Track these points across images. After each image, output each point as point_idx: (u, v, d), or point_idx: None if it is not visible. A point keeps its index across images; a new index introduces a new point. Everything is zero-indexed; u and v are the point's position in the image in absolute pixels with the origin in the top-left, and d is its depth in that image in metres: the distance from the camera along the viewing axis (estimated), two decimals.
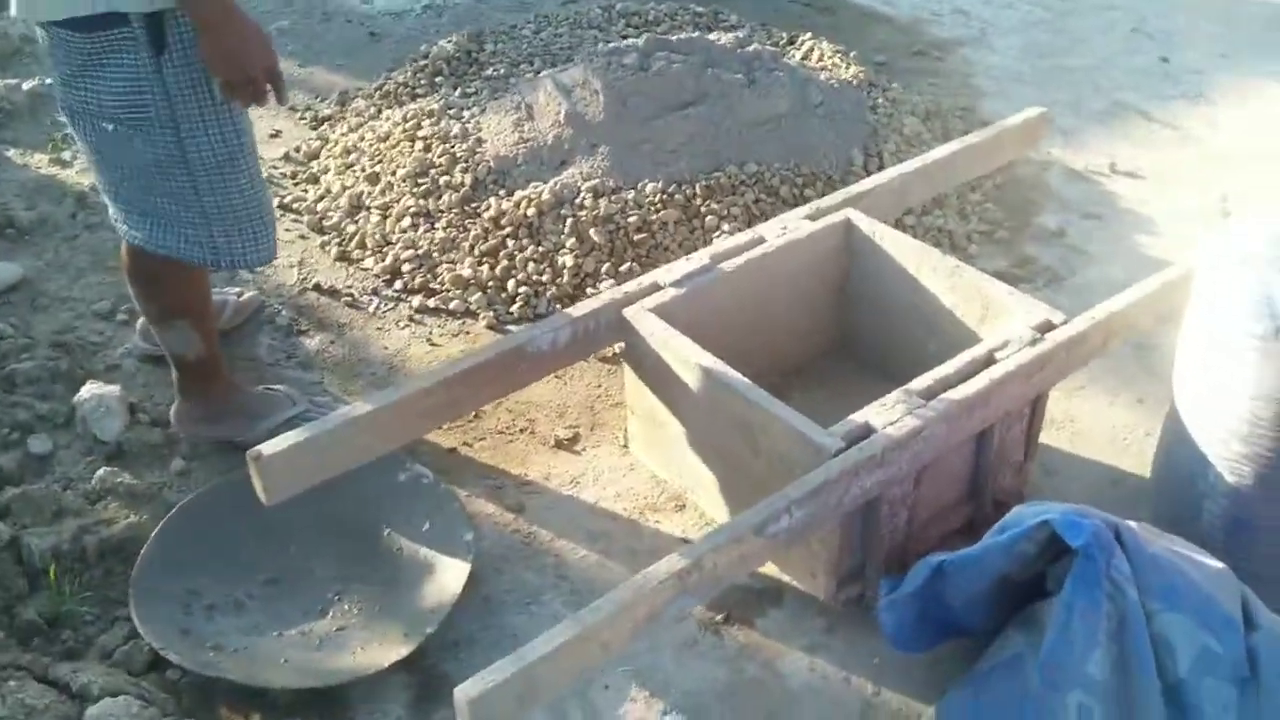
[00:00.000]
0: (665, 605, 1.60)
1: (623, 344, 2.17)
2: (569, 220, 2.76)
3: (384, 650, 1.89)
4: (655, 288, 2.14)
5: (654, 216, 2.76)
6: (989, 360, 1.93)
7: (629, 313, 2.08)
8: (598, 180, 2.82)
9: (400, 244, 2.86)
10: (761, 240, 2.25)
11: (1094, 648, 1.52)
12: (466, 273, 2.75)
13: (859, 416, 1.83)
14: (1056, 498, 2.19)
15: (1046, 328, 2.00)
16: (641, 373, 2.13)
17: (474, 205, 2.87)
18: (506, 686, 1.46)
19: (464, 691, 1.44)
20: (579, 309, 2.11)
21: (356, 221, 2.97)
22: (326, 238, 2.97)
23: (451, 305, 2.72)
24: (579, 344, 2.10)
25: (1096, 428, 2.40)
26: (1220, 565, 1.62)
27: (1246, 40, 4.12)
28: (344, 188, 3.07)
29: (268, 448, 1.79)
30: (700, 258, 2.20)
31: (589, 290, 2.69)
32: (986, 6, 4.46)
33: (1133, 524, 1.60)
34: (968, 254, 2.91)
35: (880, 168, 3.01)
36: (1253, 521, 1.79)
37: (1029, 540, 1.59)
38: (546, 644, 1.50)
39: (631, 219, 2.74)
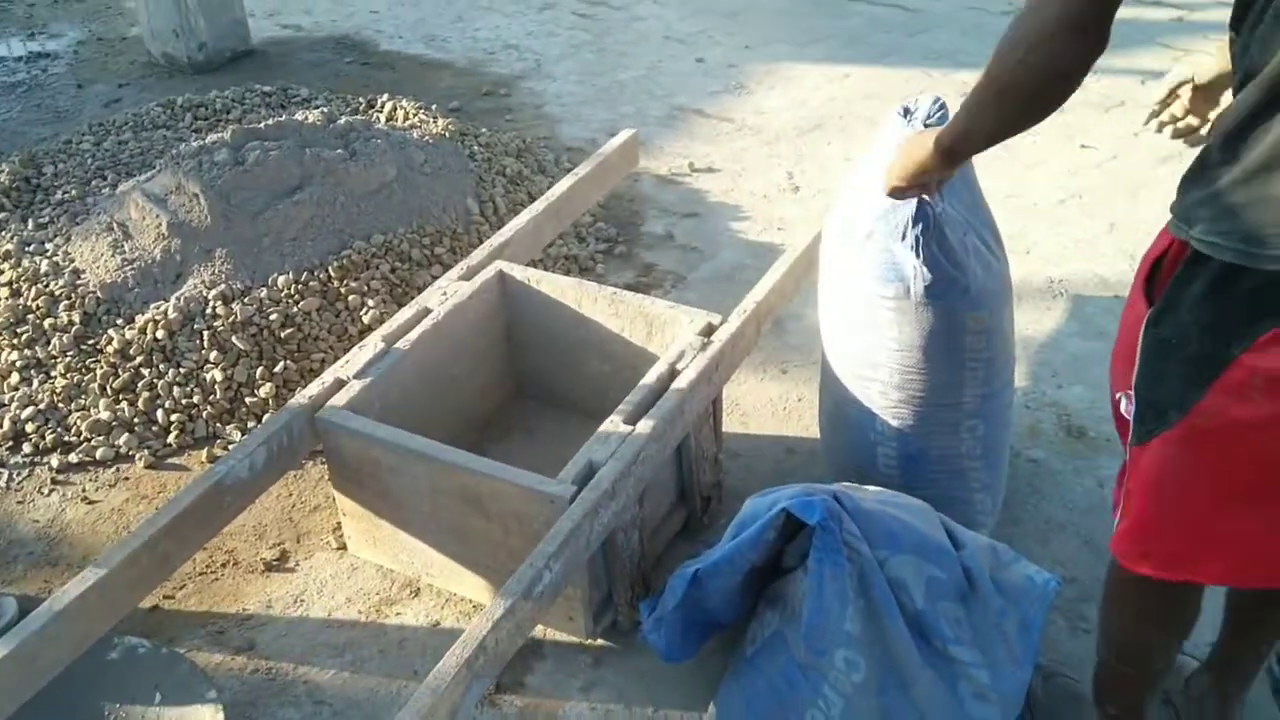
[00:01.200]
0: (464, 697, 1.60)
1: (320, 448, 2.11)
2: (204, 333, 2.61)
3: None
4: (339, 384, 2.10)
5: (295, 309, 2.68)
6: (673, 373, 2.08)
7: (323, 415, 2.02)
8: (224, 285, 2.69)
9: (15, 403, 2.57)
10: (427, 311, 2.26)
11: (845, 605, 1.70)
12: (105, 415, 2.53)
13: (580, 458, 1.90)
14: (747, 477, 2.42)
15: (710, 331, 2.18)
16: (348, 471, 2.08)
17: (92, 342, 2.64)
18: None
19: None
20: (266, 426, 2.02)
21: None
22: None
23: (99, 454, 2.49)
24: (278, 461, 2.01)
25: (758, 405, 2.65)
26: (918, 502, 1.86)
27: (759, 32, 4.63)
28: None
29: None
30: (374, 343, 2.18)
31: (247, 400, 2.57)
32: (533, 39, 4.68)
33: (842, 486, 1.80)
34: (595, 273, 3.08)
35: (495, 212, 3.11)
36: (924, 453, 2.06)
37: (771, 529, 1.75)
38: None
39: (273, 317, 2.64)
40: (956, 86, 4.03)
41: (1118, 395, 1.43)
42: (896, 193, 1.71)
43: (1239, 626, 1.67)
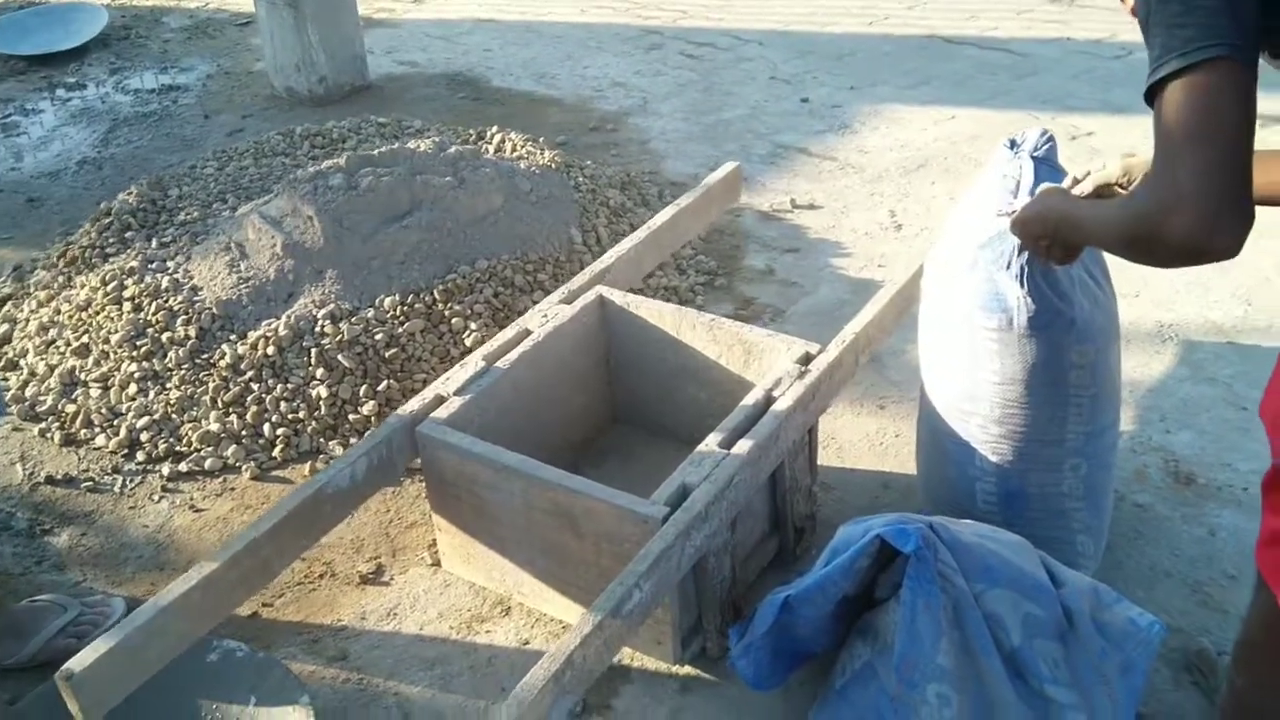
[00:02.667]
0: (550, 711, 1.60)
1: (419, 462, 2.15)
2: (313, 351, 2.69)
3: None
4: (439, 400, 2.14)
5: (400, 330, 2.74)
6: (769, 400, 2.07)
7: (422, 430, 2.06)
8: (333, 305, 2.77)
9: (132, 413, 2.68)
10: (527, 332, 2.30)
11: (939, 638, 1.67)
12: (214, 427, 2.62)
13: (674, 479, 1.91)
14: (841, 509, 2.39)
15: (807, 359, 2.17)
16: (445, 486, 2.11)
17: (205, 356, 2.74)
18: None
19: None
20: (368, 439, 2.07)
21: (74, 400, 2.75)
22: (44, 424, 2.73)
23: (207, 464, 2.57)
24: (377, 472, 2.06)
25: (854, 439, 2.62)
26: (1017, 537, 1.82)
27: (864, 74, 4.63)
28: (50, 367, 2.84)
29: (77, 663, 1.64)
30: (474, 361, 2.22)
31: (350, 417, 2.64)
32: (640, 77, 4.75)
33: (939, 519, 1.77)
34: (695, 305, 3.09)
35: (598, 241, 3.16)
36: (1024, 490, 2.02)
37: (864, 556, 1.73)
38: None
39: (378, 337, 2.71)
40: (1065, 129, 3.97)
41: None
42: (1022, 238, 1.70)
43: None
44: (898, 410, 2.69)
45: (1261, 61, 1.27)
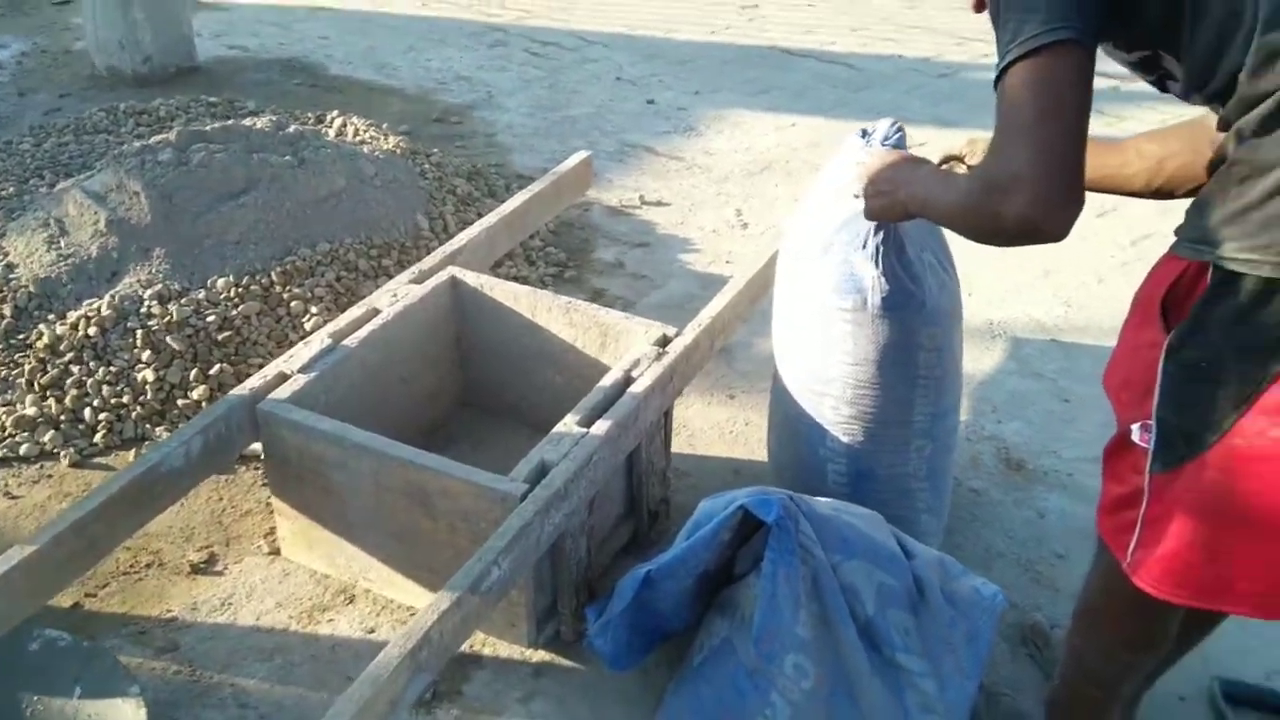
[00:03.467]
0: (405, 689, 1.54)
1: (255, 448, 2.04)
2: (138, 332, 2.53)
3: None
4: (282, 377, 2.04)
5: (234, 312, 2.61)
6: (628, 381, 2.06)
7: (264, 407, 1.96)
8: (160, 285, 2.62)
9: None
10: (376, 311, 2.22)
11: (798, 608, 1.68)
12: (30, 411, 2.43)
13: (533, 456, 1.87)
14: (694, 495, 2.37)
15: (665, 342, 2.17)
16: (287, 467, 2.02)
17: (21, 337, 2.54)
18: None
19: None
20: (204, 415, 1.96)
21: None
22: None
23: (22, 450, 2.39)
24: (213, 452, 1.95)
25: (705, 428, 2.64)
26: (869, 511, 1.86)
27: (708, 80, 4.70)
28: None
29: None
30: (320, 339, 2.13)
31: (179, 402, 2.50)
32: (484, 71, 4.70)
33: (796, 494, 1.79)
34: None
35: (445, 229, 3.09)
36: (873, 471, 2.07)
37: (726, 528, 1.73)
38: None
39: (210, 319, 2.58)
40: None
41: (1129, 424, 1.38)
42: (869, 195, 1.73)
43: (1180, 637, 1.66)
44: (747, 400, 2.72)
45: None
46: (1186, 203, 1.37)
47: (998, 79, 1.29)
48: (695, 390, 2.74)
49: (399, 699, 1.53)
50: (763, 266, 2.40)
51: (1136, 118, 4.12)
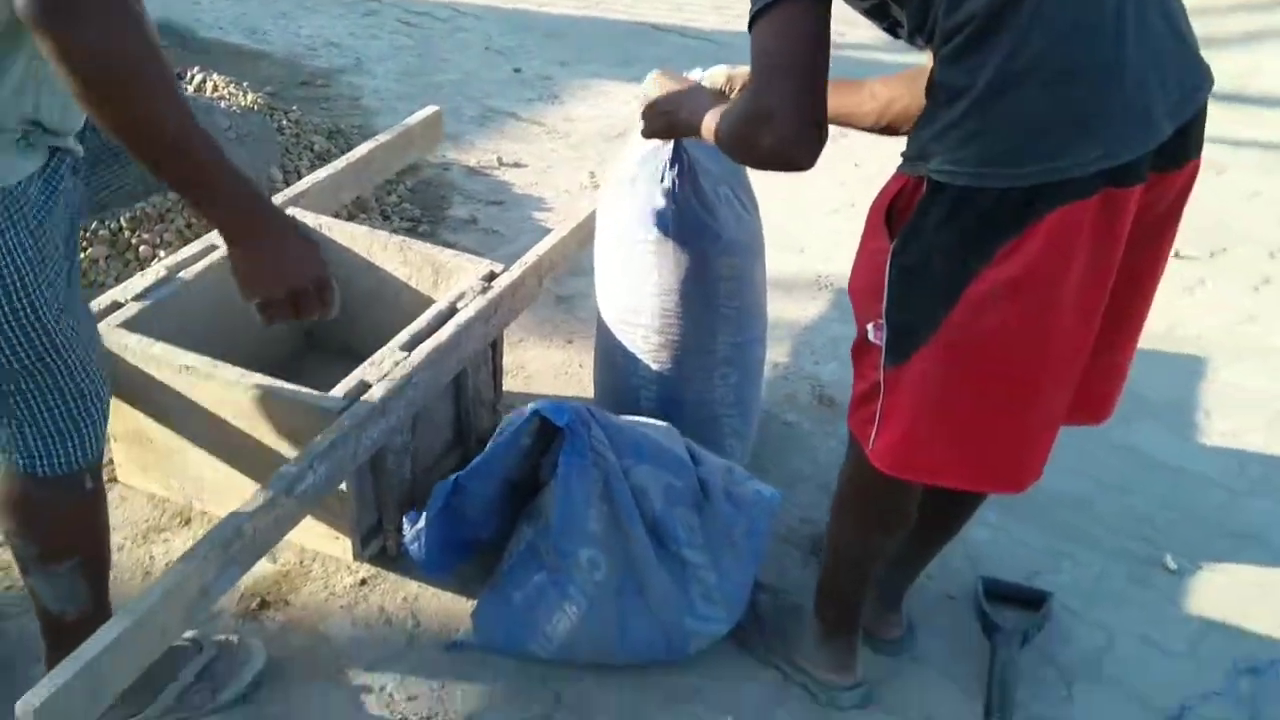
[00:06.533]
0: (216, 579, 1.66)
1: None
2: None
3: None
4: (116, 305, 2.13)
5: (80, 256, 2.67)
6: (452, 311, 2.20)
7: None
8: None
9: None
10: (214, 248, 2.32)
11: (589, 506, 1.84)
12: None
13: (354, 375, 2.00)
14: None
15: (491, 278, 2.31)
16: (121, 393, 2.10)
17: None
18: (72, 687, 1.43)
19: (26, 703, 1.40)
20: None
21: None
22: None
23: None
24: None
25: (542, 369, 2.79)
26: (664, 424, 2.03)
27: (576, 51, 4.85)
28: None
29: None
30: (157, 271, 2.22)
31: None
32: (355, 39, 4.77)
33: (597, 409, 1.95)
34: None
35: (299, 181, 3.17)
36: (683, 398, 2.23)
37: (525, 433, 1.88)
38: (104, 638, 1.49)
39: None
40: None
41: (866, 325, 1.56)
42: (649, 117, 1.89)
43: (925, 527, 1.86)
44: (584, 345, 2.87)
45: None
46: None
47: (750, 26, 1.45)
48: (535, 335, 2.89)
49: (209, 587, 1.65)
50: (590, 214, 2.55)
51: None
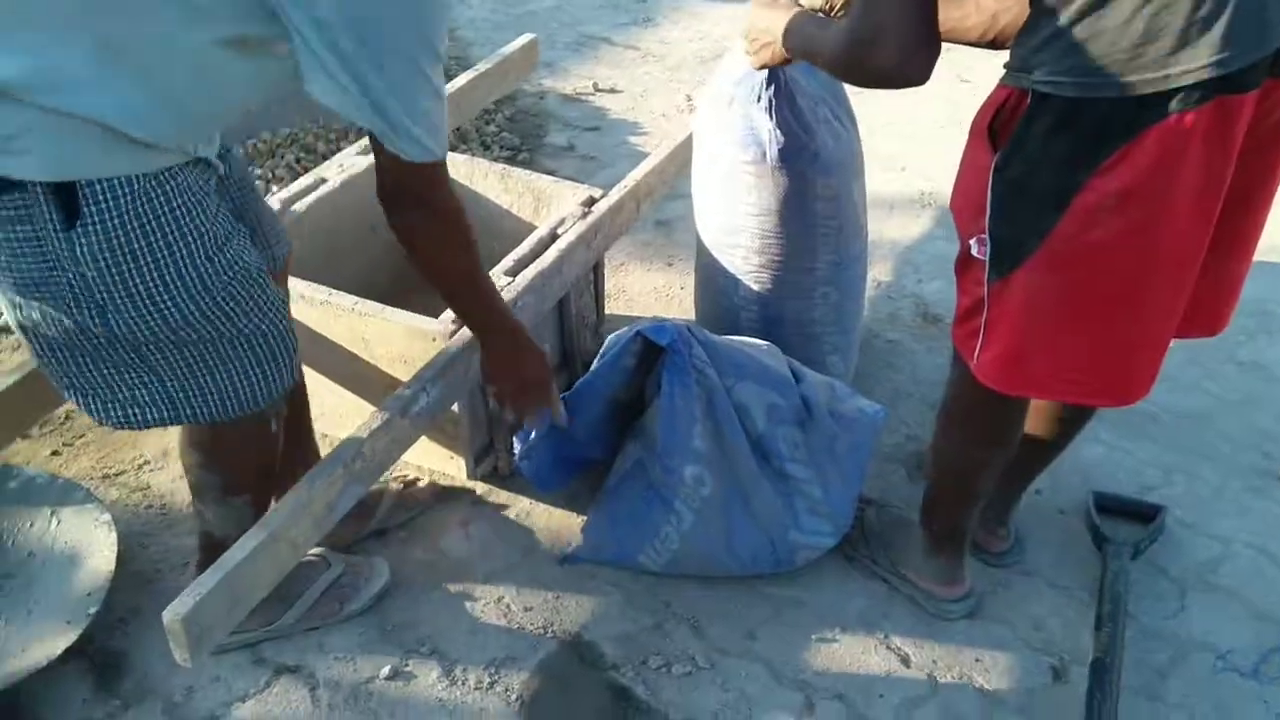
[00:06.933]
0: (340, 495, 1.74)
1: None
2: None
3: (49, 644, 1.84)
4: None
5: None
6: (554, 237, 2.23)
7: None
8: None
9: None
10: (324, 180, 2.39)
11: (694, 423, 1.88)
12: None
13: None
14: None
15: (591, 203, 2.33)
16: None
17: None
18: (213, 598, 1.53)
19: (174, 610, 1.50)
20: None
21: None
22: None
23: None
24: None
25: (643, 292, 2.82)
26: (766, 343, 2.04)
27: None
28: None
29: None
30: (270, 204, 2.29)
31: None
32: None
33: (698, 327, 1.97)
34: None
35: None
36: (782, 316, 2.24)
37: (628, 354, 1.91)
38: (241, 550, 1.58)
39: None
40: None
41: (969, 240, 1.54)
42: (753, 48, 1.87)
43: (1033, 441, 1.85)
44: (684, 267, 2.89)
45: None
46: None
47: None
48: (636, 259, 2.92)
49: (334, 503, 1.73)
50: (687, 138, 2.54)
51: None
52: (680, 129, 3.52)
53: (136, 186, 1.36)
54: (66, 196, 1.32)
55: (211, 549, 1.76)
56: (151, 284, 1.41)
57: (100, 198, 1.34)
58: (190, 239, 1.43)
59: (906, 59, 1.38)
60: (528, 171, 2.45)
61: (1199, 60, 1.28)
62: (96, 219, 1.34)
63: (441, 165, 1.52)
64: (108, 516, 2.02)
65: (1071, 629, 1.94)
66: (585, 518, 2.10)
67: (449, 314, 2.03)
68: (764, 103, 2.03)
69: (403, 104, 1.39)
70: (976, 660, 1.90)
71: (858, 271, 2.30)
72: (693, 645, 1.91)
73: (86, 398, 1.55)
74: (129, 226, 1.36)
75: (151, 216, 1.38)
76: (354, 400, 2.19)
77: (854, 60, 1.45)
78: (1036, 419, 1.78)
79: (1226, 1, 1.27)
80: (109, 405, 1.56)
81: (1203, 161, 1.36)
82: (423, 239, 1.60)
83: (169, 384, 1.54)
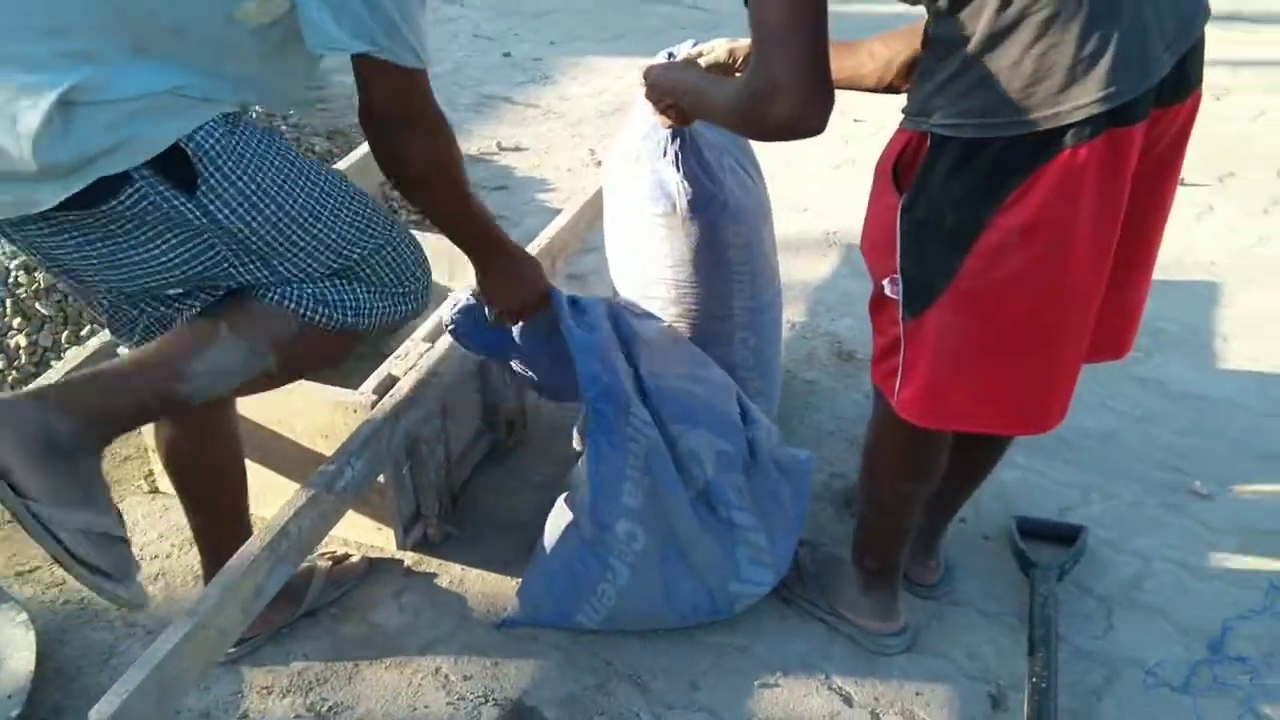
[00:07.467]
0: (267, 578, 1.70)
1: None
2: (7, 301, 2.62)
3: None
4: None
5: None
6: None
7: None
8: (24, 256, 2.70)
9: None
10: None
11: (624, 481, 1.87)
12: None
13: (381, 371, 2.03)
14: (554, 407, 2.57)
15: None
16: None
17: None
18: (140, 694, 1.47)
19: (99, 712, 1.44)
20: (70, 360, 2.08)
21: None
22: None
23: None
24: None
25: None
26: (721, 377, 2.04)
27: (563, 30, 4.86)
28: None
29: None
30: None
31: (53, 364, 2.59)
32: None
33: (622, 303, 1.97)
34: None
35: None
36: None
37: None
38: (166, 643, 1.53)
39: None
40: None
41: (882, 281, 1.58)
42: (660, 109, 1.90)
43: (956, 472, 1.89)
44: None
45: None
46: None
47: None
48: None
49: (262, 586, 1.69)
50: (597, 191, 2.57)
51: None
52: (587, 183, 3.56)
53: (227, 124, 1.39)
54: (172, 166, 1.35)
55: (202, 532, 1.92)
56: (292, 210, 1.47)
57: (204, 142, 1.36)
58: (296, 157, 1.50)
59: (803, 111, 1.41)
60: (438, 235, 2.43)
61: (1088, 96, 1.34)
62: (212, 166, 1.37)
63: (427, 76, 1.50)
64: (24, 615, 1.95)
65: (1005, 656, 1.98)
66: (520, 580, 2.08)
67: (371, 381, 2.01)
68: (670, 156, 2.06)
69: (398, 7, 1.39)
70: (917, 694, 1.92)
71: (773, 315, 2.34)
72: (637, 702, 1.90)
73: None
74: (242, 153, 1.40)
75: (255, 142, 1.43)
76: (278, 478, 2.15)
77: (753, 115, 1.47)
78: (958, 450, 1.82)
79: (1110, 38, 1.33)
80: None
81: (1099, 192, 1.42)
82: (416, 157, 1.54)
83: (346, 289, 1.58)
